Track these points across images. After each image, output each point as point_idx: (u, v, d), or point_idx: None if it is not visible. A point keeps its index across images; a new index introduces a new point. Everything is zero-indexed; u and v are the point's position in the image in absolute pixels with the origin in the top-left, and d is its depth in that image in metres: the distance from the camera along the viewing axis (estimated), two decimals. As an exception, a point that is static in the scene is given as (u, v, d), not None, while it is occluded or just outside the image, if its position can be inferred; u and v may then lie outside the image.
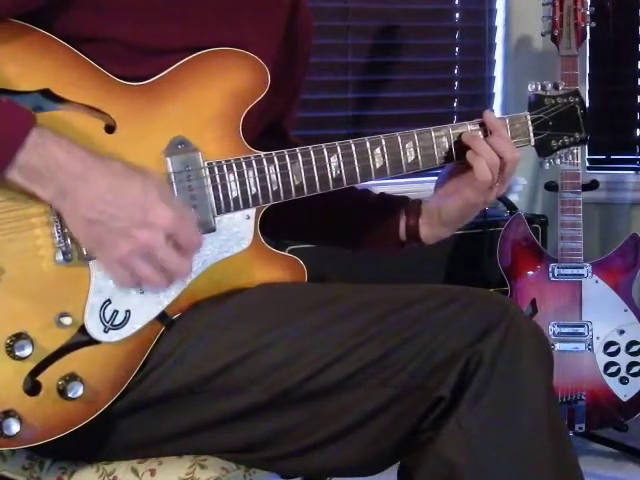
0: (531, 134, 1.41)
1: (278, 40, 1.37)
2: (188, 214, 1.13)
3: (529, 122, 1.41)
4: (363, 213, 1.45)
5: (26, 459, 1.27)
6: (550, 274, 2.64)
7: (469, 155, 1.33)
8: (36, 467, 1.27)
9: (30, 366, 1.11)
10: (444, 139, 1.35)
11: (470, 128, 1.36)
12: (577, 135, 1.45)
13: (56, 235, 1.12)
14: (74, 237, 1.12)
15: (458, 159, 1.35)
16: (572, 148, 1.45)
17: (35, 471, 1.26)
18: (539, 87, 1.43)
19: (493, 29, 3.22)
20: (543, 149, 1.43)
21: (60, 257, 1.12)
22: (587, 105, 1.47)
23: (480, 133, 1.36)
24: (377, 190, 1.50)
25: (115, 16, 1.17)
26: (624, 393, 2.64)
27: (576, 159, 2.55)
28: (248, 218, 1.25)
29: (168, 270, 1.11)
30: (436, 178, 1.43)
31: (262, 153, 1.24)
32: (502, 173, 1.34)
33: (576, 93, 1.46)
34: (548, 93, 1.43)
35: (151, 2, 1.18)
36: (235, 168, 1.22)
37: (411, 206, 1.43)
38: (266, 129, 1.41)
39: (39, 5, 1.13)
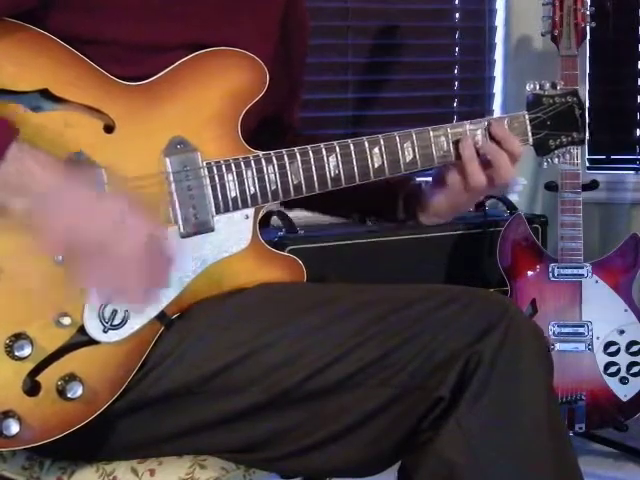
0: (529, 133, 1.41)
1: (275, 38, 1.37)
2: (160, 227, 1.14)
3: (527, 121, 1.40)
4: (362, 193, 1.44)
5: (26, 459, 1.27)
6: (550, 274, 2.64)
7: (465, 160, 1.33)
8: (36, 467, 1.27)
9: (29, 366, 1.10)
10: (442, 139, 1.35)
11: (469, 128, 1.36)
12: (575, 135, 1.45)
13: (54, 235, 1.12)
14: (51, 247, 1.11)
15: (457, 159, 1.35)
16: (570, 148, 1.45)
17: (35, 471, 1.26)
18: (537, 87, 1.43)
19: (493, 29, 3.22)
20: (541, 149, 1.43)
21: (59, 257, 1.12)
22: (587, 105, 1.46)
23: (479, 134, 1.36)
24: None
25: (112, 16, 1.17)
26: (624, 393, 2.64)
27: (576, 159, 2.55)
28: (247, 218, 1.25)
29: (145, 280, 1.12)
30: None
31: (261, 153, 1.24)
32: (492, 184, 1.34)
33: (574, 93, 1.45)
34: (546, 92, 1.43)
35: (149, 1, 1.18)
36: (234, 168, 1.22)
37: (410, 191, 1.43)
38: (264, 127, 1.41)
39: (34, 5, 1.13)
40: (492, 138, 1.35)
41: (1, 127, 1.08)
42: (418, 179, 1.47)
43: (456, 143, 1.35)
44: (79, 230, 1.08)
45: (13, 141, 1.07)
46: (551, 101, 1.43)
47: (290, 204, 1.57)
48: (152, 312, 1.18)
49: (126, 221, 1.09)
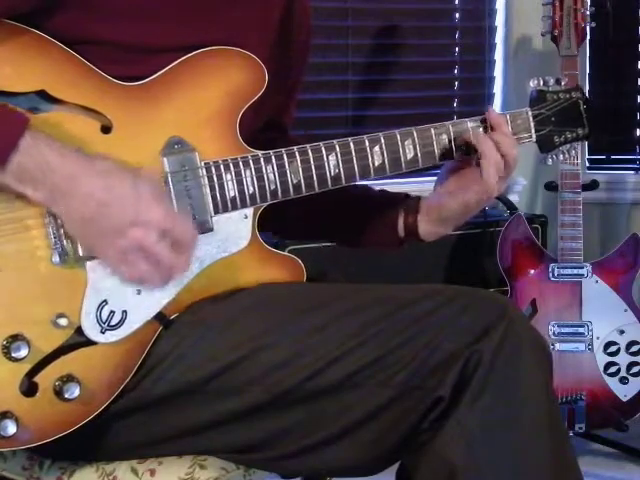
0: (532, 130, 1.40)
1: (274, 36, 1.36)
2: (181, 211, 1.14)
3: (530, 118, 1.40)
4: (362, 210, 1.45)
5: (26, 459, 1.27)
6: (550, 274, 2.64)
7: (479, 158, 1.32)
8: (36, 467, 1.27)
9: (26, 367, 1.10)
10: (444, 136, 1.34)
11: (470, 125, 1.35)
12: (580, 130, 1.44)
13: (52, 236, 1.12)
14: (71, 237, 1.12)
15: (458, 157, 1.35)
16: (575, 144, 1.44)
17: (35, 471, 1.26)
18: (541, 83, 1.42)
19: (493, 29, 3.22)
20: (545, 145, 1.42)
21: (56, 258, 1.12)
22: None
23: (481, 130, 1.36)
24: (377, 188, 1.50)
25: (107, 17, 1.16)
26: (624, 393, 2.64)
27: (576, 159, 2.55)
28: (246, 218, 1.25)
29: (164, 267, 1.11)
30: (436, 178, 1.42)
31: (260, 152, 1.24)
32: (504, 172, 1.33)
33: (578, 88, 1.45)
34: (550, 89, 1.43)
35: (145, 3, 1.18)
36: (232, 168, 1.22)
37: (410, 203, 1.42)
38: (266, 124, 1.40)
39: (31, 7, 1.12)
40: (490, 126, 1.34)
41: (12, 117, 1.08)
42: (417, 179, 1.47)
43: (458, 140, 1.34)
44: (101, 214, 1.08)
45: (25, 131, 1.06)
46: (555, 97, 1.42)
47: (286, 236, 1.58)
48: (151, 312, 1.18)
49: (142, 207, 1.09)
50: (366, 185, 1.47)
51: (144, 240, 1.09)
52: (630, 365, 2.65)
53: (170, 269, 1.12)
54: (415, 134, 1.33)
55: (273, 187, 1.24)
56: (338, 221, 1.47)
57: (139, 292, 1.16)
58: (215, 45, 1.22)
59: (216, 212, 1.21)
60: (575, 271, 2.64)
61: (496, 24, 3.22)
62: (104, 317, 1.14)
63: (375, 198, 1.47)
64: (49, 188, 1.08)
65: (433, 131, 1.34)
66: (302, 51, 1.49)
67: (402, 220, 1.42)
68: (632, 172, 3.22)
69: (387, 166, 1.31)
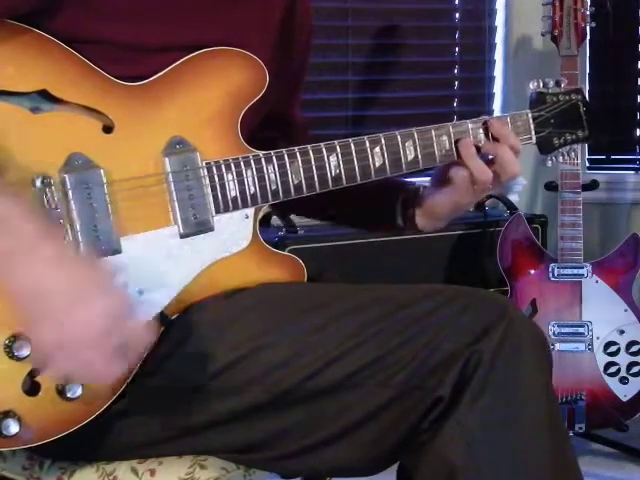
0: (532, 132, 1.40)
1: (275, 36, 1.37)
2: (128, 306, 1.03)
3: (530, 120, 1.40)
4: (362, 198, 1.44)
5: (26, 459, 1.27)
6: (550, 274, 2.64)
7: (465, 158, 1.33)
8: (36, 467, 1.26)
9: (29, 366, 1.10)
10: (444, 137, 1.34)
11: (471, 126, 1.36)
12: (579, 133, 1.44)
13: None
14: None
15: (458, 158, 1.35)
16: (574, 145, 1.44)
17: (35, 471, 1.26)
18: (541, 84, 1.43)
19: (493, 29, 3.22)
20: (545, 147, 1.43)
21: None
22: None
23: (481, 132, 1.36)
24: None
25: (107, 16, 1.16)
26: (624, 393, 2.64)
27: (576, 159, 2.54)
28: (247, 217, 1.25)
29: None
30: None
31: (261, 153, 1.24)
32: (498, 181, 1.34)
33: (578, 90, 1.45)
34: (550, 90, 1.43)
35: (145, 2, 1.18)
36: (234, 168, 1.22)
37: (409, 194, 1.43)
38: (266, 124, 1.40)
39: (31, 7, 1.12)
40: (492, 137, 1.35)
41: None
42: (416, 179, 1.47)
43: (458, 142, 1.34)
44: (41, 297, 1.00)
45: None
46: (555, 99, 1.42)
47: (285, 210, 1.57)
48: (152, 312, 1.17)
49: (90, 297, 1.00)
50: None
51: (76, 337, 0.99)
52: (630, 365, 2.65)
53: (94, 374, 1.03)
54: (415, 135, 1.33)
55: (274, 187, 1.25)
56: (339, 206, 1.45)
57: (141, 292, 1.16)
58: (216, 45, 1.22)
59: (217, 212, 1.21)
60: (575, 271, 2.64)
61: (496, 24, 3.22)
62: (106, 317, 1.14)
63: (374, 188, 1.46)
64: None
65: (433, 132, 1.34)
66: (303, 51, 1.49)
67: (400, 210, 1.43)
68: (632, 172, 3.22)
69: (388, 167, 1.32)
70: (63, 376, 1.07)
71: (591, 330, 2.63)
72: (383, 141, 1.31)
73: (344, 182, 1.29)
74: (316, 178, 1.27)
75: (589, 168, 3.18)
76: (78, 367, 1.01)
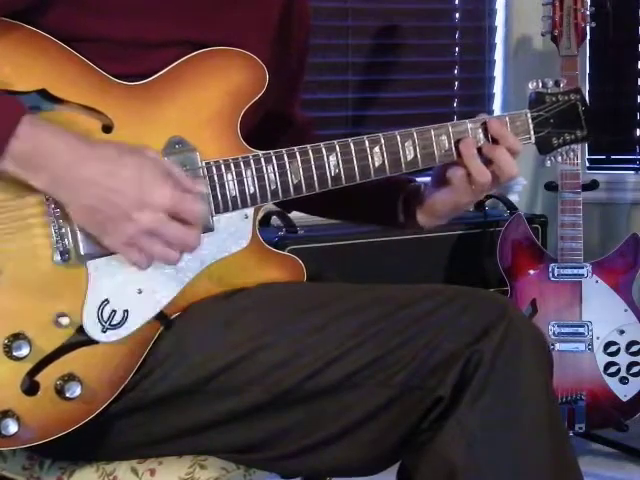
0: (532, 132, 1.40)
1: (273, 35, 1.36)
2: (187, 186, 1.13)
3: (529, 120, 1.40)
4: (363, 195, 1.44)
5: (26, 459, 1.27)
6: (550, 274, 2.64)
7: (465, 159, 1.33)
8: (36, 467, 1.27)
9: (28, 366, 1.10)
10: (444, 137, 1.34)
11: (470, 126, 1.35)
12: (579, 132, 1.44)
13: (54, 235, 1.12)
14: (78, 227, 1.11)
15: (458, 158, 1.35)
16: (573, 145, 1.44)
17: (35, 471, 1.26)
18: (540, 84, 1.42)
19: (493, 29, 3.22)
20: (544, 147, 1.42)
21: (58, 257, 1.12)
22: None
23: (480, 132, 1.35)
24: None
25: (103, 13, 1.16)
26: (624, 393, 2.64)
27: (576, 159, 2.54)
28: (246, 217, 1.25)
29: (176, 245, 1.12)
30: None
31: (260, 152, 1.24)
32: (497, 182, 1.34)
33: (577, 90, 1.45)
34: (549, 91, 1.43)
35: (145, 3, 1.18)
36: (233, 168, 1.22)
37: (410, 192, 1.43)
38: (267, 121, 1.40)
39: (26, 4, 1.12)
40: (491, 138, 1.35)
41: (9, 104, 1.07)
42: (417, 179, 1.47)
43: (457, 142, 1.34)
44: (106, 201, 1.08)
45: (24, 117, 1.06)
46: (554, 99, 1.42)
47: (288, 206, 1.57)
48: (152, 312, 1.18)
49: (146, 190, 1.09)
50: None
51: (152, 223, 1.09)
52: (630, 365, 2.65)
53: (182, 247, 1.13)
54: (415, 135, 1.33)
55: (274, 187, 1.24)
56: (340, 201, 1.45)
57: (140, 292, 1.16)
58: (215, 41, 1.22)
59: (217, 212, 1.21)
60: (575, 271, 2.64)
61: (496, 24, 3.22)
62: (105, 316, 1.14)
63: (375, 185, 1.46)
64: (50, 175, 1.07)
65: (433, 132, 1.34)
66: (301, 49, 1.49)
67: (401, 209, 1.43)
68: (632, 172, 3.22)
69: (387, 167, 1.31)
70: (150, 261, 1.13)
71: (591, 330, 2.63)
72: (382, 141, 1.31)
73: (343, 182, 1.29)
74: (315, 178, 1.27)
75: (589, 168, 3.18)
76: (174, 235, 1.11)
